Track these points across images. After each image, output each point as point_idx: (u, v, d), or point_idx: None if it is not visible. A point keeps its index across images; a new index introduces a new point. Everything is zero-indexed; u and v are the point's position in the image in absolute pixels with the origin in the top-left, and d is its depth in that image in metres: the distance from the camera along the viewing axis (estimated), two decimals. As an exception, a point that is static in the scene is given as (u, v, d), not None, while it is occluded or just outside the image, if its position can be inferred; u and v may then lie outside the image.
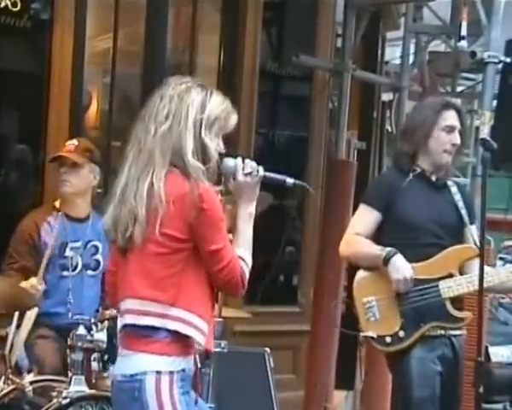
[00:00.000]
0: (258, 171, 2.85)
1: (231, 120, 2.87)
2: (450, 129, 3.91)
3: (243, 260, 2.81)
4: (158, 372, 2.71)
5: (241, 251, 2.83)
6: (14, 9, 5.26)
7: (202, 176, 2.73)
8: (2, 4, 5.19)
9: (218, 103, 2.83)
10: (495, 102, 5.08)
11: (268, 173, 2.90)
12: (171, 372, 2.73)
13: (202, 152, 2.77)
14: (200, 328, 2.76)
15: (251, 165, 2.85)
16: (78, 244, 4.28)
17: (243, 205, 2.87)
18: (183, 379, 2.75)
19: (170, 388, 2.72)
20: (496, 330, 6.97)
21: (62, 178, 4.28)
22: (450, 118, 3.92)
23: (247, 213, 2.88)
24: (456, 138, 3.91)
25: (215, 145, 2.80)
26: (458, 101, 6.85)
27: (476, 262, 3.63)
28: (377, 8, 6.34)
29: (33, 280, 4.00)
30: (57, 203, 4.33)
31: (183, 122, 2.76)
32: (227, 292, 2.95)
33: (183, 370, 2.75)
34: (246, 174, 2.84)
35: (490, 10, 5.16)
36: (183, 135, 2.76)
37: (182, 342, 2.74)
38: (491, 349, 6.63)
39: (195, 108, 2.77)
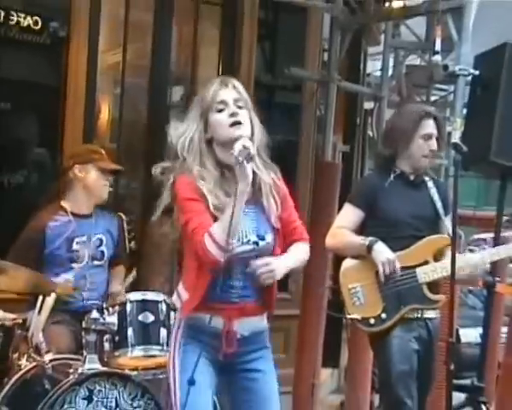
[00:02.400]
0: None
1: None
2: (428, 136, 3.94)
3: (209, 233, 2.77)
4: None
5: (214, 227, 2.79)
6: (35, 28, 5.29)
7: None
8: (25, 23, 5.23)
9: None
10: (465, 111, 5.09)
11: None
12: (181, 319, 2.95)
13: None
14: (180, 294, 2.97)
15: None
16: (84, 238, 4.28)
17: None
18: (190, 327, 2.91)
19: (177, 330, 2.95)
20: (465, 314, 7.01)
21: (106, 185, 4.34)
22: (429, 126, 3.95)
23: (237, 193, 2.78)
24: (433, 145, 3.95)
25: None
26: (432, 109, 6.88)
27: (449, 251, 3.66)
28: (359, 26, 6.35)
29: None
30: (64, 203, 4.31)
31: None
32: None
33: (191, 320, 2.90)
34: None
35: (460, 28, 5.18)
36: None
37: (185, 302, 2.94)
38: (461, 331, 6.67)
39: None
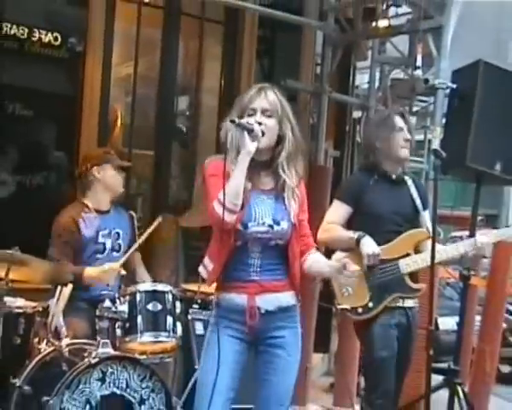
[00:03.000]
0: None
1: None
2: (400, 129, 3.96)
3: (217, 198, 2.81)
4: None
5: (221, 192, 2.82)
6: (55, 43, 5.35)
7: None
8: (46, 39, 5.28)
9: None
10: (444, 120, 5.10)
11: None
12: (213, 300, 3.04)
13: None
14: (205, 264, 2.99)
15: None
16: (107, 231, 4.30)
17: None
18: (220, 307, 2.97)
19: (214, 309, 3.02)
20: (443, 304, 7.01)
21: (121, 180, 4.36)
22: (398, 121, 3.98)
23: (238, 160, 2.86)
24: (406, 135, 3.96)
25: None
26: (414, 119, 6.91)
27: (429, 243, 3.67)
28: (349, 42, 6.37)
29: (114, 265, 4.10)
30: (85, 200, 4.31)
31: None
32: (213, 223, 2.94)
33: (219, 301, 2.97)
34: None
35: (439, 46, 5.21)
36: None
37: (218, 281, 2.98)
38: (440, 320, 6.66)
39: None
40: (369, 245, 3.80)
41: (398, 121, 4.02)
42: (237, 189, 2.82)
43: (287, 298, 3.01)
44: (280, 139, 2.96)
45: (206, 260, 3.00)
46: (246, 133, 2.83)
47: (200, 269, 3.04)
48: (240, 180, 2.83)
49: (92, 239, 4.22)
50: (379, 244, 3.83)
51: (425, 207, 3.99)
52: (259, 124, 2.88)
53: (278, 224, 2.94)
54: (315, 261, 3.13)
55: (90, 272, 4.10)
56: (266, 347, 2.98)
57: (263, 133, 2.89)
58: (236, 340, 2.96)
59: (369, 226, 3.86)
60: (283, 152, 2.95)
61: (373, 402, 3.82)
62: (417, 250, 3.91)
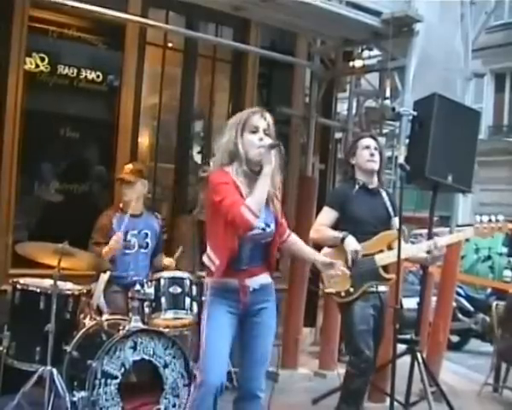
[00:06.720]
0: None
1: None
2: (367, 147, 4.01)
3: (246, 205, 2.77)
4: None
5: (248, 200, 2.79)
6: (97, 80, 5.38)
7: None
8: (90, 77, 5.31)
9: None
10: (407, 140, 5.13)
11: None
12: (208, 284, 2.94)
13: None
14: (212, 259, 2.91)
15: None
16: (135, 232, 4.34)
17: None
18: (216, 288, 2.89)
19: (207, 291, 2.93)
20: (407, 287, 7.03)
21: (122, 191, 4.37)
22: (365, 141, 4.04)
23: (263, 174, 2.83)
24: (371, 150, 4.01)
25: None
26: (384, 139, 6.92)
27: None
28: (331, 78, 6.39)
29: (115, 237, 4.16)
30: (121, 205, 4.39)
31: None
32: (238, 226, 2.82)
33: (215, 284, 2.89)
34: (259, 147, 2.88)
35: (403, 81, 5.24)
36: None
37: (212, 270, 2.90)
38: (404, 300, 6.64)
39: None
40: (352, 244, 3.83)
41: (366, 141, 4.06)
42: (264, 198, 2.81)
43: (267, 278, 3.03)
44: None
45: (212, 255, 2.91)
46: (272, 151, 2.83)
47: (205, 259, 2.96)
48: (266, 191, 2.82)
49: (121, 236, 4.24)
50: (359, 242, 3.86)
51: (395, 214, 4.01)
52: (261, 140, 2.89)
53: (269, 226, 2.94)
54: (293, 243, 3.18)
55: (105, 249, 4.16)
56: (253, 315, 2.97)
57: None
58: (231, 314, 2.91)
59: (351, 228, 3.89)
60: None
61: (357, 366, 3.85)
62: (389, 247, 3.95)
